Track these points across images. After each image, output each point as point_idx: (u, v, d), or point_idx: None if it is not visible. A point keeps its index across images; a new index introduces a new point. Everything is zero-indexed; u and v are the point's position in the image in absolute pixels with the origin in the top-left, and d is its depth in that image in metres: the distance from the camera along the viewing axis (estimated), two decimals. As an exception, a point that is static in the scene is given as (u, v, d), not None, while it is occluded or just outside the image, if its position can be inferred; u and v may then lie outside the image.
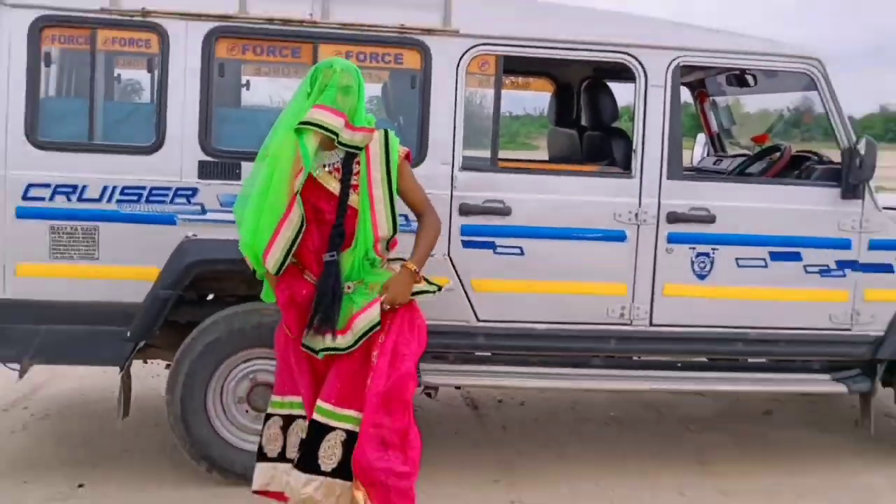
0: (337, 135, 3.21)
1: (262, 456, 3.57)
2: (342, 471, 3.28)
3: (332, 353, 3.31)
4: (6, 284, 4.08)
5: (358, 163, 3.29)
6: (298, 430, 3.45)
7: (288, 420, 3.51)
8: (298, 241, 3.24)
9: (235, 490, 4.14)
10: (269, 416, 3.57)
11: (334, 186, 3.27)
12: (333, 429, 3.30)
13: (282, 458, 3.50)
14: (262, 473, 3.55)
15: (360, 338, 3.28)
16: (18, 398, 5.50)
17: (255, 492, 3.59)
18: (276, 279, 3.36)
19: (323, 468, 3.29)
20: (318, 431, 3.32)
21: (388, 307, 3.31)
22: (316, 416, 3.32)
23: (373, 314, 3.27)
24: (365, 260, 3.32)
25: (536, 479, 4.57)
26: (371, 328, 3.27)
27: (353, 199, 3.29)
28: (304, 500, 3.33)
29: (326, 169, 3.28)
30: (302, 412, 3.45)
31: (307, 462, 3.31)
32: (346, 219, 3.27)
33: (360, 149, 3.28)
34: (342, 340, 3.29)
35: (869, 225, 4.59)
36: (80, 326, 4.12)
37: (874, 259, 4.64)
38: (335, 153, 3.29)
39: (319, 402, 3.32)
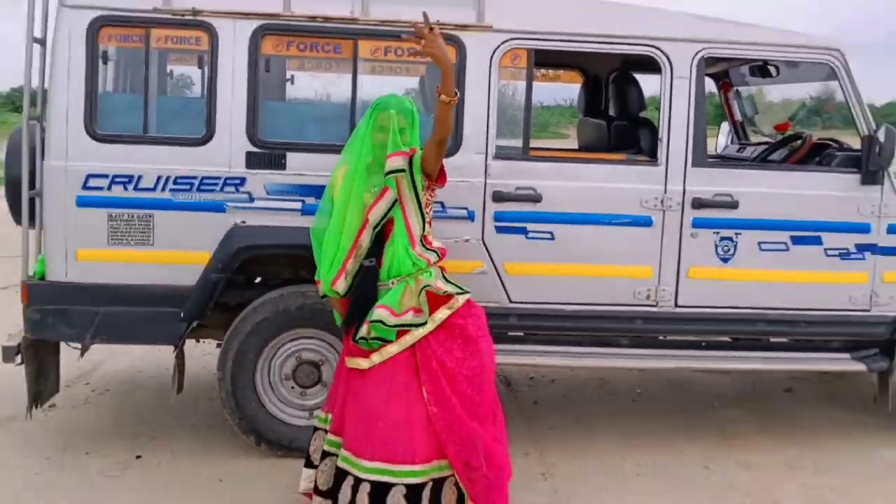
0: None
1: (309, 463, 3.66)
2: None
3: (371, 342, 3.36)
4: (68, 269, 4.12)
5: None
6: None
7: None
8: (360, 266, 3.44)
9: (282, 461, 4.22)
10: (315, 430, 3.68)
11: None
12: (393, 485, 3.28)
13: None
14: (308, 478, 3.65)
15: (401, 326, 3.34)
16: (80, 375, 5.55)
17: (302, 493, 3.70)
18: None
19: None
20: (378, 490, 3.28)
21: (422, 45, 3.36)
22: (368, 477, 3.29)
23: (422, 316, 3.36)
24: (406, 258, 3.39)
25: (566, 452, 4.56)
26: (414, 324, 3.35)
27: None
28: None
29: (376, 190, 3.44)
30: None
31: None
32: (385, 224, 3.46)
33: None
34: (394, 320, 3.33)
35: (888, 209, 4.54)
36: (137, 308, 4.15)
37: (893, 242, 4.58)
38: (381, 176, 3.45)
39: (366, 463, 3.30)
